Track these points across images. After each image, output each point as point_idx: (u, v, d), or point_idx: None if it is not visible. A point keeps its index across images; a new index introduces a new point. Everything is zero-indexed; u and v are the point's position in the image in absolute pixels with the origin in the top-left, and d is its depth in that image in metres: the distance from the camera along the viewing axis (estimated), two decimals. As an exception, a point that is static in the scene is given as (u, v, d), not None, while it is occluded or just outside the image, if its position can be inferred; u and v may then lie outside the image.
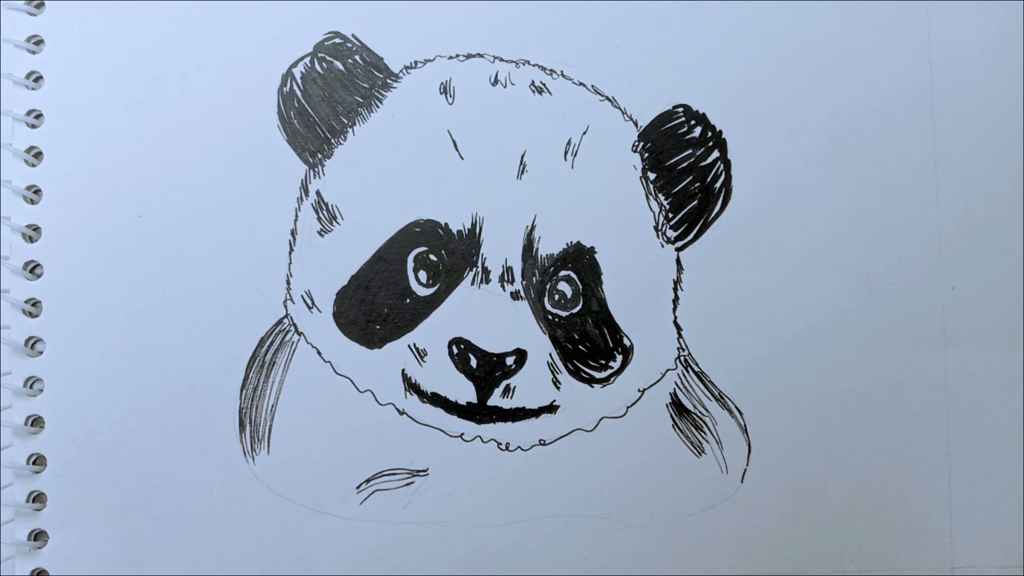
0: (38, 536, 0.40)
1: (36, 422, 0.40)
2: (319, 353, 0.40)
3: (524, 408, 0.40)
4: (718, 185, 0.41)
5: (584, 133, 0.41)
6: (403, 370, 0.40)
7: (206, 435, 0.40)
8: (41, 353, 0.40)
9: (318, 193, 0.40)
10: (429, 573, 0.40)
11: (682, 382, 0.41)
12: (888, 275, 0.41)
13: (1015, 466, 0.41)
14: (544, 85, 0.41)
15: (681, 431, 0.41)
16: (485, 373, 0.40)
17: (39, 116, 0.41)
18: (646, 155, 0.41)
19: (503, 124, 0.41)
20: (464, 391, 0.40)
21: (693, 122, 0.41)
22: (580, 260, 0.40)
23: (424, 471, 0.40)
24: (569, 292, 0.40)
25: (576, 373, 0.40)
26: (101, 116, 0.41)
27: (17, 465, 0.40)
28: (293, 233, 0.40)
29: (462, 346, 0.40)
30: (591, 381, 0.40)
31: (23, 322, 0.40)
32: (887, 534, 0.40)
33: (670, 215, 0.41)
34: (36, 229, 0.41)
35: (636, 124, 0.41)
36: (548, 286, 0.40)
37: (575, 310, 0.40)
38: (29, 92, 0.41)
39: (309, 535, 0.40)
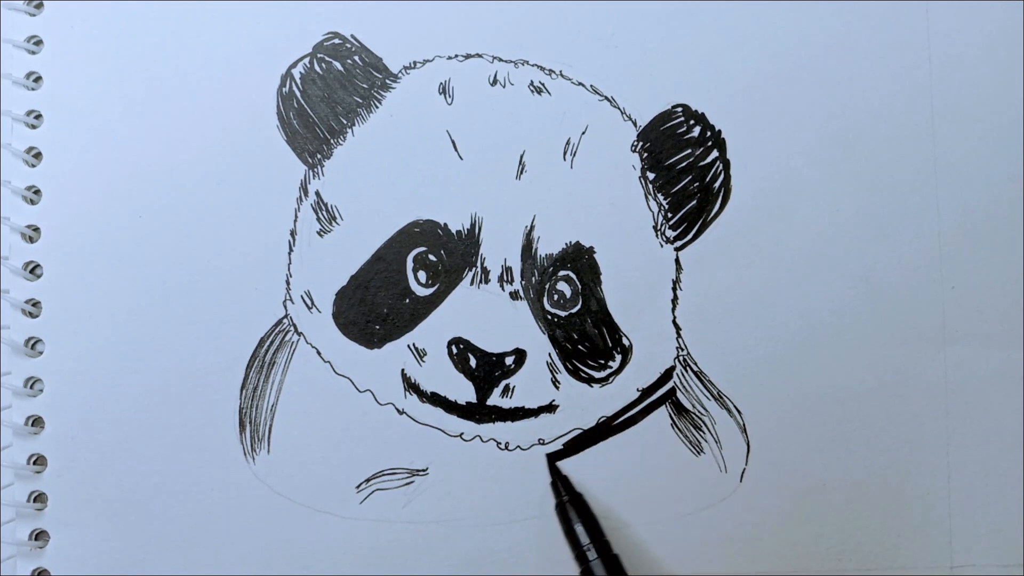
0: (39, 536, 0.40)
1: (36, 422, 0.40)
2: (319, 353, 0.40)
3: (523, 408, 0.40)
4: (717, 185, 0.41)
5: (583, 133, 0.41)
6: (403, 370, 0.40)
7: (206, 435, 0.40)
8: (41, 353, 0.40)
9: (317, 193, 0.40)
10: (429, 573, 0.40)
11: (681, 381, 0.41)
12: (888, 275, 0.41)
13: (1015, 466, 0.41)
14: (543, 85, 0.41)
15: (680, 430, 0.41)
16: (484, 373, 0.40)
17: (39, 116, 0.41)
18: (645, 155, 0.41)
19: (502, 124, 0.41)
20: (463, 391, 0.40)
21: (692, 122, 0.41)
22: (579, 260, 0.40)
23: (424, 471, 0.40)
24: (568, 292, 0.40)
25: (575, 373, 0.40)
26: (101, 116, 0.41)
27: (18, 465, 0.40)
28: (293, 233, 0.40)
29: (461, 346, 0.40)
30: (590, 381, 0.40)
31: (23, 322, 0.40)
32: (886, 533, 0.40)
33: (669, 215, 0.41)
34: (36, 229, 0.41)
35: (635, 124, 0.41)
36: (547, 286, 0.40)
37: (574, 310, 0.40)
38: (29, 92, 0.41)
39: (309, 534, 0.40)
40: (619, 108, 0.41)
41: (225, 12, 0.41)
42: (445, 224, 0.40)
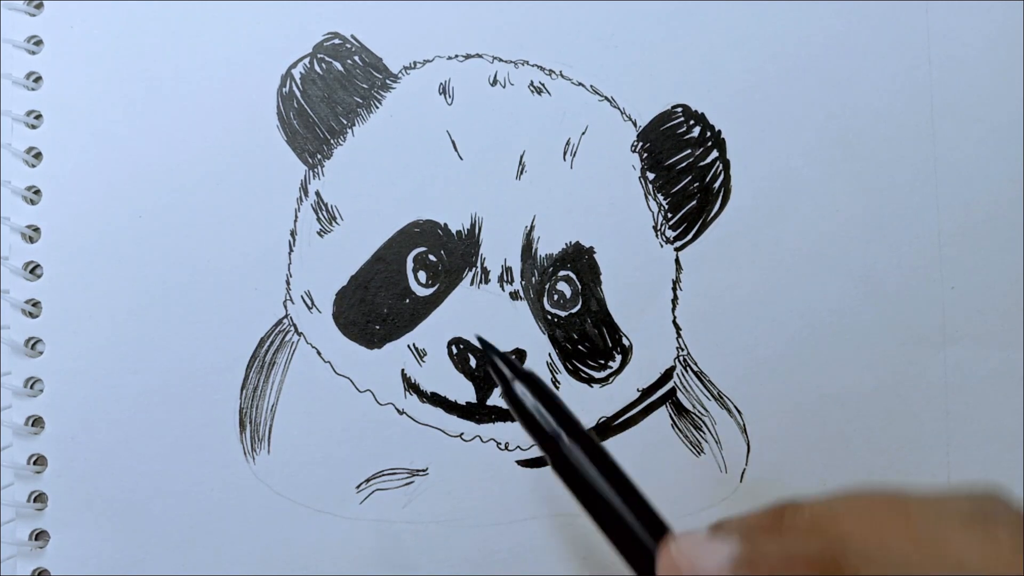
0: (39, 536, 0.40)
1: (36, 422, 0.40)
2: (319, 353, 0.40)
3: (523, 408, 0.40)
4: (717, 185, 0.41)
5: (583, 133, 0.41)
6: (403, 370, 0.40)
7: (206, 435, 0.40)
8: (41, 353, 0.40)
9: (318, 194, 0.40)
10: (429, 573, 0.40)
11: (681, 382, 0.41)
12: (888, 275, 0.41)
13: (1015, 466, 0.41)
14: (543, 85, 0.41)
15: (680, 431, 0.41)
16: (484, 373, 0.40)
17: (39, 116, 0.41)
18: (645, 155, 0.41)
19: (502, 124, 0.41)
20: (463, 391, 0.40)
21: (692, 122, 0.41)
22: (579, 260, 0.40)
23: (424, 471, 0.40)
24: (568, 292, 0.40)
25: (575, 373, 0.40)
26: (100, 116, 0.41)
27: (18, 465, 0.40)
28: (293, 233, 0.40)
29: (461, 346, 0.40)
30: (590, 381, 0.40)
31: (23, 322, 0.40)
32: (886, 534, 0.40)
33: (669, 215, 0.41)
34: (36, 229, 0.41)
35: (635, 124, 0.41)
36: (547, 286, 0.40)
37: (574, 310, 0.40)
38: (29, 92, 0.41)
39: (309, 535, 0.40)
40: (619, 108, 0.41)
41: (225, 12, 0.41)
42: (445, 224, 0.40)
